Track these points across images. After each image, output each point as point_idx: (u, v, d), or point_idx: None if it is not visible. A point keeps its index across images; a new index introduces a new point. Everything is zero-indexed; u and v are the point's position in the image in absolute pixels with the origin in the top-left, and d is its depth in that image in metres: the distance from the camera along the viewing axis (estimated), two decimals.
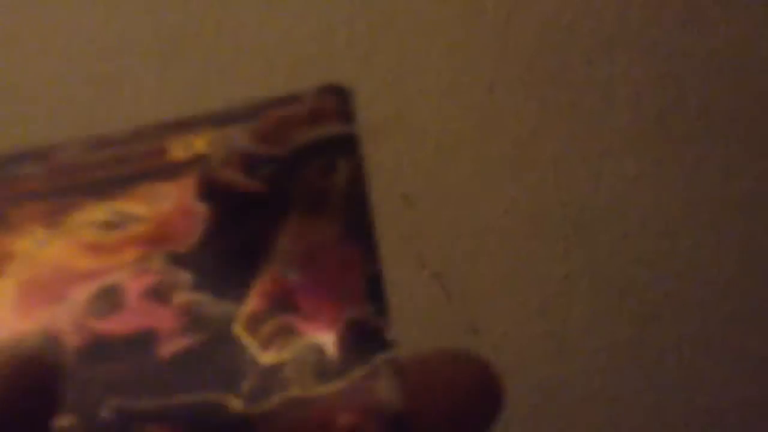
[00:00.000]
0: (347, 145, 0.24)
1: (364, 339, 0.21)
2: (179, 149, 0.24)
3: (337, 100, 0.24)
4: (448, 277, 0.74)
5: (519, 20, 0.74)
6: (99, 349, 0.22)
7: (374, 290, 0.22)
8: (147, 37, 0.73)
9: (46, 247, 0.23)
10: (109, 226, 0.23)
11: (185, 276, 0.22)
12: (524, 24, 0.74)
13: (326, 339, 0.21)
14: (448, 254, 0.74)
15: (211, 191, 0.23)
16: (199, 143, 0.24)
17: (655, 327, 0.74)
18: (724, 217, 0.74)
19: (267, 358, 0.21)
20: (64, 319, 0.22)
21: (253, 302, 0.22)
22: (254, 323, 0.22)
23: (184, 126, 0.24)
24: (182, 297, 0.22)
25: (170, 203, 0.23)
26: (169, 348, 0.21)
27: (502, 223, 0.74)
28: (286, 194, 0.23)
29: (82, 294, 0.22)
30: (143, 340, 0.22)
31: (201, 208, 0.23)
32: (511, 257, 0.74)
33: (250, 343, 0.21)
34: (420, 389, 0.21)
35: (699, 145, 0.74)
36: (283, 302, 0.22)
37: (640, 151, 0.74)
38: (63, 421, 0.20)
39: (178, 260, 0.22)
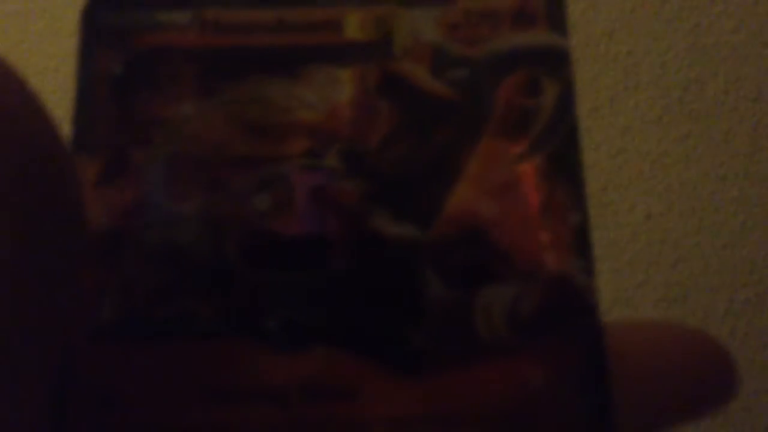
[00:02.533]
0: (557, 62, 0.21)
1: (567, 297, 0.18)
2: (355, 26, 0.20)
3: (549, 1, 0.20)
4: None
5: None
6: (264, 249, 0.19)
7: (580, 242, 0.19)
8: None
9: (198, 119, 0.19)
10: (273, 106, 0.20)
11: (360, 183, 0.19)
12: None
13: (523, 288, 0.19)
14: None
15: (395, 87, 0.20)
16: (379, 23, 0.20)
17: (681, 309, 0.73)
18: (752, 195, 0.73)
19: (452, 293, 0.19)
20: (224, 208, 0.19)
21: (439, 229, 0.19)
22: (439, 254, 0.19)
23: None
24: (365, 207, 0.19)
25: (346, 93, 0.20)
26: (340, 262, 0.19)
27: None
28: (481, 108, 0.20)
29: (243, 182, 0.19)
30: (313, 248, 0.19)
31: (382, 105, 0.19)
32: None
33: (432, 274, 0.19)
34: (631, 358, 0.18)
35: (726, 121, 0.73)
36: (475, 236, 0.19)
37: (665, 127, 0.73)
38: (229, 324, 0.18)
39: (353, 162, 0.19)
